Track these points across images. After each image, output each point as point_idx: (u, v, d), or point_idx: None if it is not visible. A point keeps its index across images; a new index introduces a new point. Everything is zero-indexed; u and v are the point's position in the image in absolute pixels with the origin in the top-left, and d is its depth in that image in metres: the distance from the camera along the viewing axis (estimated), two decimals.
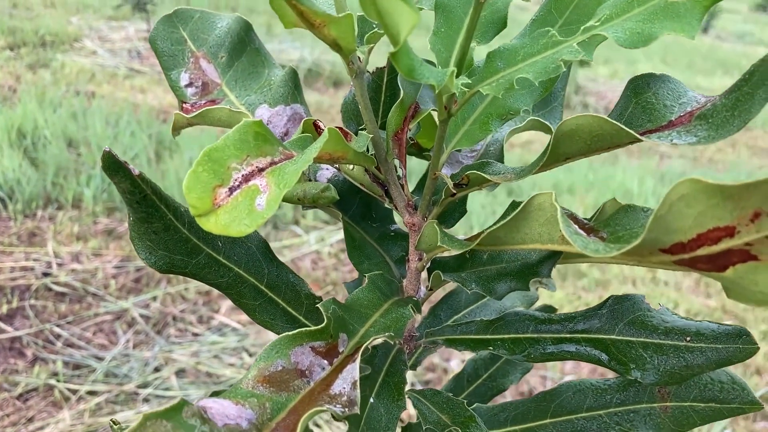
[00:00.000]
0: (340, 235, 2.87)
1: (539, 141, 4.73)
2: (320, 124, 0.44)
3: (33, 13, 5.54)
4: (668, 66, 7.97)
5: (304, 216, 3.00)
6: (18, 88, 3.96)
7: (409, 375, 2.33)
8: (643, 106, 0.39)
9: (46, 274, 2.37)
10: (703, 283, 3.13)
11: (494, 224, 0.40)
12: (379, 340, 0.46)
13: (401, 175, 0.50)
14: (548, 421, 0.57)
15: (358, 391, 0.36)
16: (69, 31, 5.18)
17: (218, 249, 0.49)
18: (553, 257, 0.46)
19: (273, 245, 2.73)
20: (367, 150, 0.46)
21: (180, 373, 1.99)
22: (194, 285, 2.40)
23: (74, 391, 1.88)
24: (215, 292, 2.39)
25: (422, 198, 0.49)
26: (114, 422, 0.49)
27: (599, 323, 0.48)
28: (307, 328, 0.39)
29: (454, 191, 0.46)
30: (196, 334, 2.17)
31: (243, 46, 0.53)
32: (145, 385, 1.93)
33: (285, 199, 0.53)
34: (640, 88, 0.40)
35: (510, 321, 0.52)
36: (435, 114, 0.47)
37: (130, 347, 2.08)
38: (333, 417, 0.36)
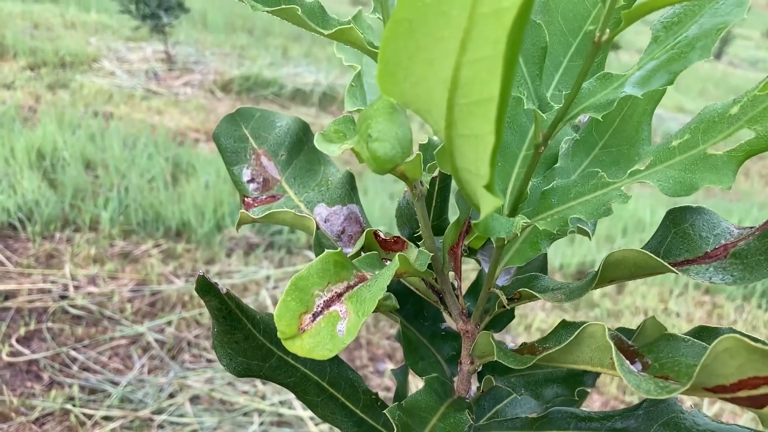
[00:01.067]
0: None
1: None
2: (380, 233, 0.47)
3: (53, 34, 5.64)
4: (681, 93, 7.99)
5: None
6: (38, 108, 4.03)
7: None
8: (681, 236, 0.42)
9: (63, 297, 2.40)
10: (716, 315, 3.13)
11: (545, 341, 0.42)
12: None
13: (456, 285, 0.53)
14: None
15: None
16: (88, 52, 5.27)
17: (287, 351, 0.52)
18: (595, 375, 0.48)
19: (286, 270, 2.75)
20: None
21: (194, 399, 2.01)
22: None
23: (90, 416, 1.90)
24: None
25: (476, 308, 0.52)
26: None
27: (636, 423, 0.49)
28: None
29: (507, 305, 0.49)
30: (210, 360, 2.18)
31: (301, 145, 0.56)
32: (160, 412, 1.94)
33: None
34: (678, 219, 0.43)
35: (553, 418, 0.54)
36: None
37: (145, 372, 2.10)
38: None
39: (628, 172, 0.39)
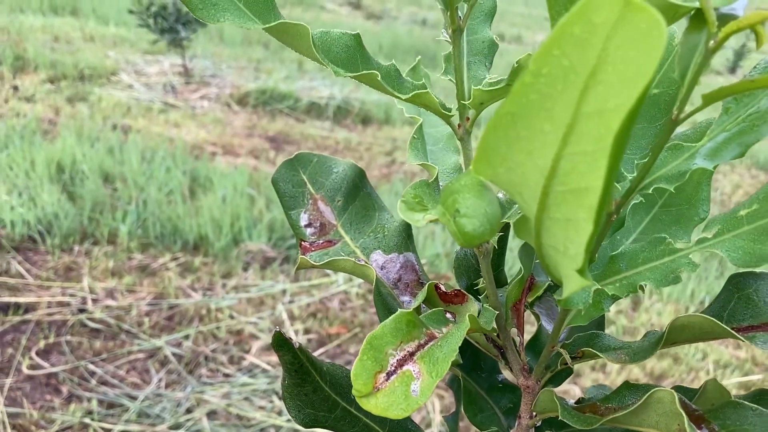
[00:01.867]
0: None
1: None
2: (441, 286, 0.48)
3: (73, 47, 5.71)
4: None
5: None
6: (58, 121, 4.08)
7: None
8: (744, 302, 0.43)
9: (81, 310, 2.42)
10: None
11: (608, 400, 0.43)
12: None
13: (518, 342, 0.54)
14: None
15: None
16: (107, 65, 5.33)
17: (351, 402, 0.53)
18: None
19: (302, 285, 2.76)
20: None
21: (211, 414, 2.02)
22: (225, 324, 2.44)
23: (108, 431, 1.91)
24: (246, 331, 2.43)
25: (537, 365, 0.52)
26: None
27: None
28: None
29: (570, 365, 0.49)
30: (227, 375, 2.20)
31: (357, 191, 0.57)
32: (177, 427, 1.95)
33: None
34: (741, 284, 0.44)
35: None
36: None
37: (162, 387, 2.11)
38: None
39: (696, 239, 0.39)
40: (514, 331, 0.53)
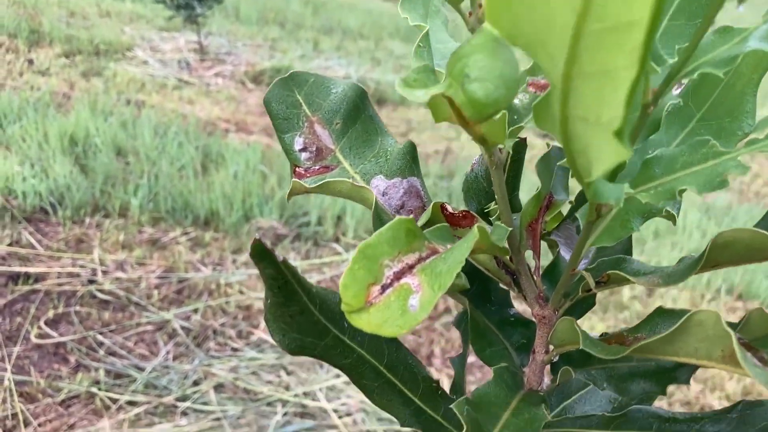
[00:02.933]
0: None
1: None
2: (447, 207, 0.44)
3: (89, 23, 5.69)
4: None
5: (344, 233, 3.01)
6: (72, 95, 4.06)
7: None
8: None
9: (91, 281, 2.41)
10: None
11: (637, 330, 0.39)
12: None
13: (533, 267, 0.50)
14: None
15: None
16: (122, 41, 5.31)
17: (344, 329, 0.49)
18: (694, 365, 0.44)
19: (313, 262, 2.74)
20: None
21: (218, 388, 2.01)
22: (235, 299, 2.42)
23: (115, 401, 1.91)
24: (256, 307, 2.41)
25: (555, 292, 0.48)
26: None
27: (728, 428, 0.46)
28: None
29: (593, 289, 0.45)
30: (235, 349, 2.18)
31: (358, 113, 0.53)
32: (184, 399, 1.94)
33: None
34: None
35: (633, 418, 0.50)
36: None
37: (170, 359, 2.10)
38: None
39: (746, 141, 0.35)
40: (528, 255, 0.49)
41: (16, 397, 1.86)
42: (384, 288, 0.30)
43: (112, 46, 5.17)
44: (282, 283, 0.43)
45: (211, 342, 2.20)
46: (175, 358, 2.11)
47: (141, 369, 2.04)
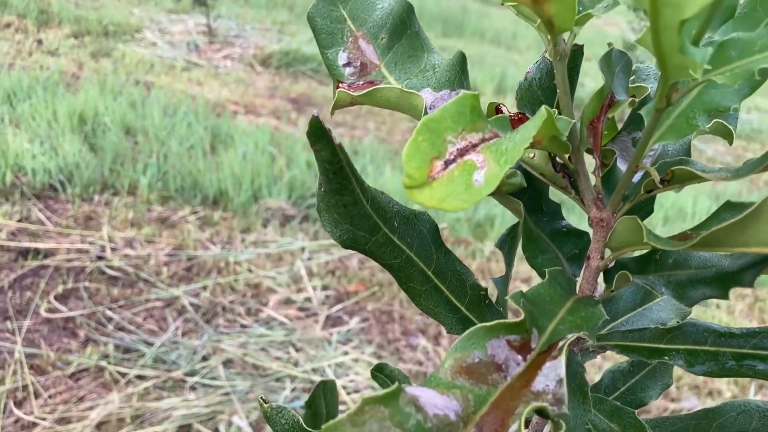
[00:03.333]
0: None
1: None
2: (503, 107, 0.42)
3: (98, 4, 5.68)
4: None
5: None
6: (81, 75, 4.06)
7: None
8: None
9: (100, 258, 2.41)
10: (758, 308, 3.04)
11: (702, 227, 0.38)
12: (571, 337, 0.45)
13: (594, 166, 0.48)
14: None
15: (565, 389, 0.35)
16: (131, 22, 5.29)
17: (394, 229, 0.48)
18: (760, 264, 0.43)
19: (321, 243, 2.74)
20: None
21: (227, 363, 2.01)
22: (243, 277, 2.42)
23: (123, 374, 1.91)
24: (264, 285, 2.41)
25: (615, 192, 0.46)
26: (263, 400, 0.51)
27: None
28: (506, 321, 0.38)
29: (659, 186, 0.44)
30: (244, 326, 2.18)
31: (404, 29, 0.51)
32: (192, 373, 1.94)
33: None
34: None
35: (687, 331, 0.50)
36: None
37: (179, 335, 2.10)
38: (541, 414, 0.34)
39: None
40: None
41: (26, 370, 1.86)
42: (447, 164, 0.29)
43: (120, 27, 5.15)
44: (338, 168, 0.42)
45: (220, 318, 2.20)
46: (184, 334, 2.11)
47: (150, 344, 2.04)
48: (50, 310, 2.12)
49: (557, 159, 0.49)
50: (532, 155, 0.49)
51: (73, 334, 2.05)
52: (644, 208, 0.53)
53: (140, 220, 2.70)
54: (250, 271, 2.48)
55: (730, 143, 0.45)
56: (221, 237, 2.68)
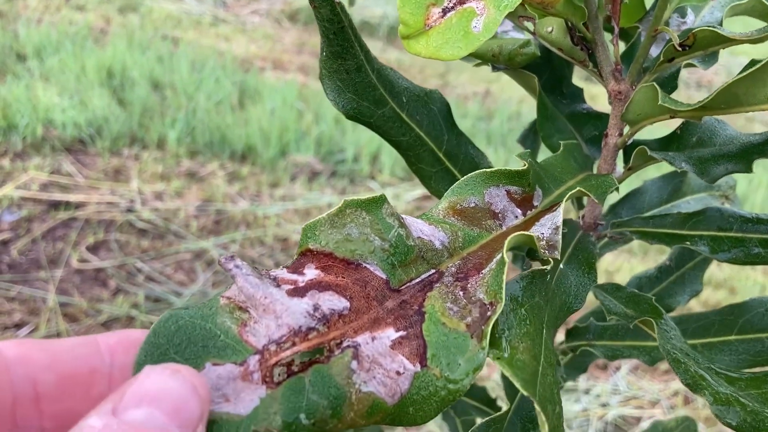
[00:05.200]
0: (416, 192, 2.84)
1: None
2: None
3: None
4: None
5: (381, 171, 2.98)
6: (108, 30, 4.04)
7: None
8: None
9: (130, 210, 2.42)
10: None
11: (734, 78, 0.34)
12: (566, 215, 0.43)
13: (613, 34, 0.45)
14: (733, 337, 0.52)
15: (560, 236, 0.34)
16: None
17: (402, 105, 0.46)
18: None
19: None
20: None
21: None
22: (272, 231, 2.41)
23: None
24: (292, 239, 2.40)
25: (634, 61, 0.44)
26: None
27: None
28: (506, 168, 0.37)
29: (679, 50, 0.40)
30: None
31: None
32: None
33: (477, 55, 0.50)
34: None
35: (712, 216, 0.47)
36: None
37: (208, 286, 2.11)
38: (531, 257, 0.34)
39: None
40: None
41: (60, 317, 1.89)
42: (445, 11, 0.27)
43: None
44: (338, 28, 0.40)
45: None
46: (213, 285, 2.12)
47: (179, 294, 2.05)
48: (82, 261, 2.14)
49: (576, 32, 0.46)
50: (550, 29, 0.47)
51: (104, 285, 2.07)
52: (667, 84, 0.50)
53: (169, 173, 2.70)
54: (278, 225, 2.47)
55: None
56: (249, 191, 2.67)
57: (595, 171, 0.49)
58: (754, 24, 0.39)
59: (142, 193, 2.53)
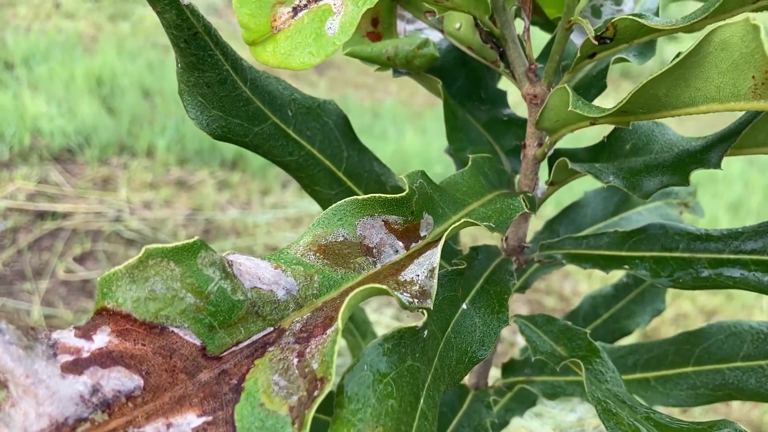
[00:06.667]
0: None
1: None
2: None
3: None
4: None
5: None
6: (98, 38, 4.01)
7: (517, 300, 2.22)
8: None
9: (117, 220, 2.39)
10: None
11: (650, 77, 0.30)
12: (481, 243, 0.38)
13: (522, 29, 0.41)
14: (690, 369, 0.47)
15: (436, 281, 0.28)
16: None
17: (288, 119, 0.40)
18: (725, 141, 0.36)
19: None
20: None
21: None
22: (262, 240, 2.38)
23: None
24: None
25: (549, 60, 0.39)
26: None
27: None
28: (383, 195, 0.31)
29: (596, 44, 0.35)
30: None
31: None
32: None
33: (372, 60, 0.45)
34: None
35: (654, 234, 0.42)
36: None
37: None
38: (401, 305, 0.28)
39: None
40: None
41: None
42: (296, 10, 0.23)
43: None
44: (189, 35, 0.34)
45: None
46: None
47: None
48: (68, 272, 2.10)
49: (483, 28, 0.41)
50: (458, 26, 0.42)
51: (90, 295, 2.03)
52: (593, 84, 0.45)
53: (158, 182, 2.67)
54: (268, 233, 2.44)
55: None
56: (240, 199, 2.64)
57: (516, 187, 0.44)
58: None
59: (131, 203, 2.50)
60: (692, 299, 2.47)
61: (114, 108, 3.08)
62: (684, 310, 2.46)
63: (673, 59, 0.30)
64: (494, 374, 0.64)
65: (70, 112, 2.94)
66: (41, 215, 2.35)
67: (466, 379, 0.53)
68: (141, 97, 3.21)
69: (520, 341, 2.12)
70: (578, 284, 2.47)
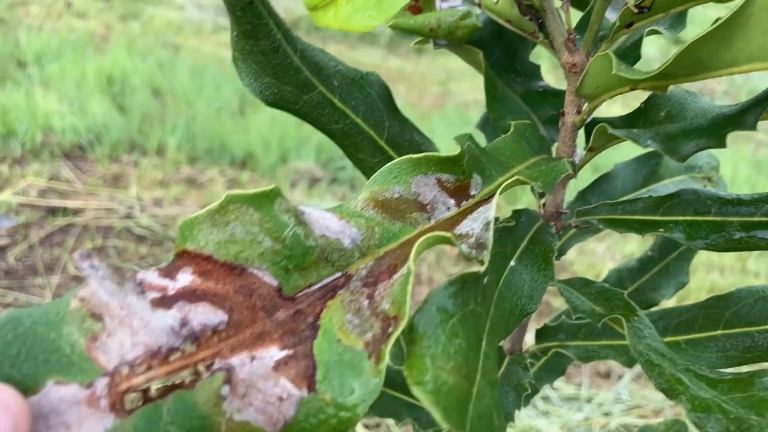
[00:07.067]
0: None
1: None
2: None
3: None
4: None
5: None
6: (109, 37, 4.05)
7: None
8: None
9: (128, 217, 2.41)
10: None
11: (694, 38, 0.31)
12: (522, 205, 0.39)
13: (562, 1, 0.42)
14: (720, 332, 0.48)
15: (491, 233, 0.29)
16: None
17: (333, 89, 0.42)
18: (761, 104, 0.37)
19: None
20: None
21: None
22: None
23: None
24: None
25: (587, 30, 0.40)
26: None
27: None
28: (436, 154, 0.33)
29: (635, 12, 0.36)
30: None
31: None
32: None
33: (414, 31, 0.46)
34: None
35: (687, 199, 0.43)
36: None
37: None
38: (462, 254, 0.30)
39: None
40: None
41: None
42: None
43: None
44: (245, 3, 0.35)
45: None
46: None
47: None
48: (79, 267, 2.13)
49: (522, 0, 0.43)
50: (496, 0, 0.43)
51: None
52: (629, 54, 0.47)
53: (168, 180, 2.69)
54: None
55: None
56: None
57: (554, 154, 0.46)
58: None
59: (141, 200, 2.52)
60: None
61: (125, 106, 3.11)
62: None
63: (713, 22, 0.31)
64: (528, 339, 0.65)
65: (81, 110, 2.96)
66: (52, 211, 2.37)
67: (502, 343, 0.55)
68: (151, 95, 3.24)
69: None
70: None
